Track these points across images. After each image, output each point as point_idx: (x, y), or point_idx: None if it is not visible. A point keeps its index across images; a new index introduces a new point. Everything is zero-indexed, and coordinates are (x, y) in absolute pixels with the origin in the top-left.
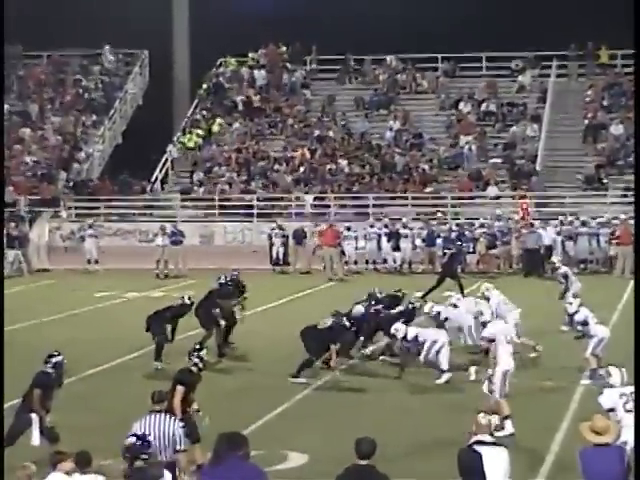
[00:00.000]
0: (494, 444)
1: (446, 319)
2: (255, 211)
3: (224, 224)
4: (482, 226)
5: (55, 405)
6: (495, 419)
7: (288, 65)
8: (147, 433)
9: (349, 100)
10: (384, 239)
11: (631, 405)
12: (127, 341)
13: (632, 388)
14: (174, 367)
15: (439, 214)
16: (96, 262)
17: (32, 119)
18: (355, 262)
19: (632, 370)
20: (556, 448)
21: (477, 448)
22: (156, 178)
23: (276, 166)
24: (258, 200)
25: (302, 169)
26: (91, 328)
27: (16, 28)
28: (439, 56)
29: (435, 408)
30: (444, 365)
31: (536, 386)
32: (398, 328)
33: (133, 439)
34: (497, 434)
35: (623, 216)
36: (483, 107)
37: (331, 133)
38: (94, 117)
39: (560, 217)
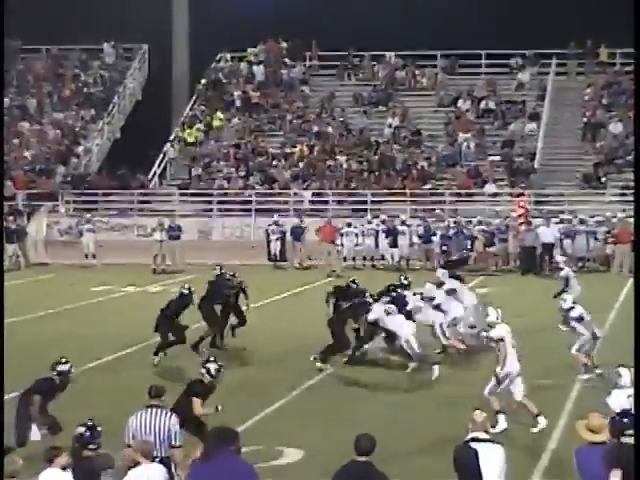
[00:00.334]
0: (490, 441)
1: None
2: (253, 207)
3: (222, 219)
4: (480, 223)
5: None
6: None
7: (287, 61)
8: (143, 428)
9: (348, 96)
10: (382, 235)
11: None
12: (124, 336)
13: None
14: (172, 363)
15: (437, 211)
16: (94, 256)
17: (31, 113)
18: (353, 258)
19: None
20: (552, 446)
21: (473, 445)
22: (154, 173)
23: (274, 162)
24: (256, 196)
25: (300, 165)
26: (88, 322)
27: (16, 22)
28: (438, 53)
29: (432, 404)
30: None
31: (533, 384)
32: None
33: (82, 429)
34: (491, 430)
35: (621, 214)
36: (482, 104)
37: (330, 129)
38: (93, 112)
39: (561, 215)
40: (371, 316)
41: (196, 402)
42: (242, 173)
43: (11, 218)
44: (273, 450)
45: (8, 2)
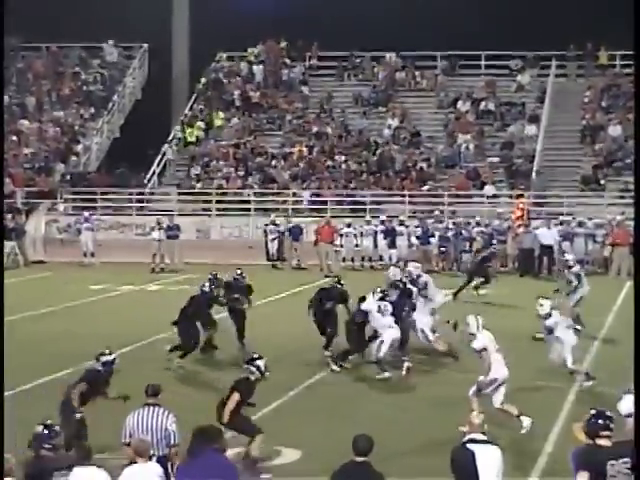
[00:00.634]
0: (487, 442)
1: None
2: (252, 206)
3: (221, 219)
4: (478, 225)
5: (51, 398)
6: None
7: (287, 61)
8: (140, 427)
9: (347, 97)
10: (380, 236)
11: None
12: (122, 334)
13: None
14: (171, 363)
15: (436, 212)
16: (92, 255)
17: (30, 111)
18: (352, 259)
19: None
20: (549, 448)
21: (470, 446)
22: (153, 172)
23: (274, 162)
24: (255, 195)
25: (300, 165)
26: (86, 321)
27: (16, 21)
28: (438, 54)
29: (430, 405)
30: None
31: (530, 386)
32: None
33: (40, 428)
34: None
35: (619, 217)
36: (481, 106)
37: (329, 130)
38: (92, 110)
39: (560, 217)
40: (364, 305)
41: (234, 398)
42: (241, 173)
43: (10, 216)
44: (271, 450)
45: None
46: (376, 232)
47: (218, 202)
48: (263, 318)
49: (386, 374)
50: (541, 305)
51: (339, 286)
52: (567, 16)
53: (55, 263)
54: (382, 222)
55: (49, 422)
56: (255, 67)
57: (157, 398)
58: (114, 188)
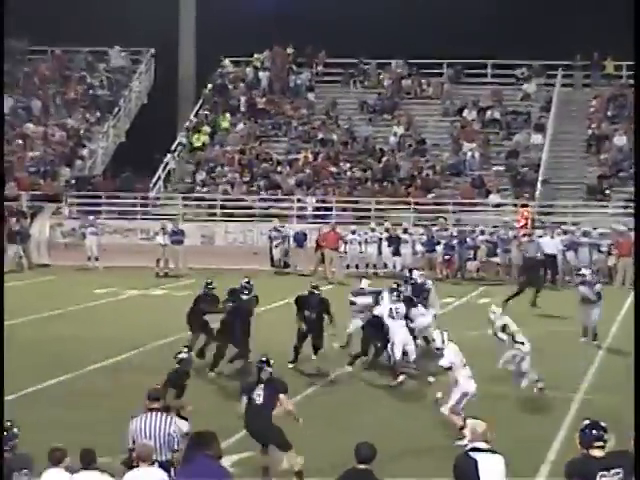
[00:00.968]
0: (490, 451)
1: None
2: (257, 211)
3: (225, 224)
4: (483, 233)
5: (54, 401)
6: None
7: (293, 67)
8: (143, 431)
9: (353, 104)
10: (384, 243)
11: None
12: (126, 338)
13: None
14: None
15: (442, 220)
16: (96, 259)
17: (36, 115)
18: (357, 266)
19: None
20: (552, 457)
21: (473, 455)
22: (159, 177)
23: (279, 168)
24: (260, 201)
25: (305, 172)
26: (90, 325)
27: (22, 24)
28: (444, 62)
29: (431, 411)
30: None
31: (534, 395)
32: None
33: None
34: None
35: (624, 227)
36: (487, 114)
37: (334, 136)
38: (98, 114)
39: (564, 227)
40: (376, 310)
41: (283, 399)
42: (246, 179)
43: (14, 219)
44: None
45: (14, 3)
46: (380, 239)
47: (223, 207)
48: (266, 324)
49: (401, 377)
50: (494, 312)
51: (317, 292)
52: (574, 26)
53: (59, 267)
54: (387, 230)
55: (8, 424)
56: (261, 73)
57: (160, 403)
58: (119, 192)
